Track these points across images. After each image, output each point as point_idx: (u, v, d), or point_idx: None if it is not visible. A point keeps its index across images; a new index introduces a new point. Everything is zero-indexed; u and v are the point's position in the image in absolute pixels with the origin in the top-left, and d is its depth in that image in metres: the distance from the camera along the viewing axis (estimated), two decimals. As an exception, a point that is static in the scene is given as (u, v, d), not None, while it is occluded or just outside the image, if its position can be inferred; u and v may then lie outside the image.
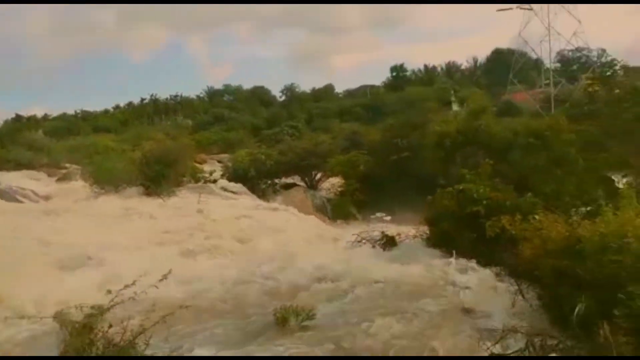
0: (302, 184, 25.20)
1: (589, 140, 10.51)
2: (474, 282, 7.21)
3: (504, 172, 10.96)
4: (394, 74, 66.70)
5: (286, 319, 5.71)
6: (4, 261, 7.57)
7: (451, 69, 67.01)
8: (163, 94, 65.69)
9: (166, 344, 4.70)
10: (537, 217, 8.06)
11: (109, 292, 4.97)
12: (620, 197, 6.43)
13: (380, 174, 22.04)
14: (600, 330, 3.86)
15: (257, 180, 23.82)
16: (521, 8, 52.69)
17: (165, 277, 4.98)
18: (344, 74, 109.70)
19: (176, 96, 64.74)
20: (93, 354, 4.27)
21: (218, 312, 6.27)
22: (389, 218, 19.11)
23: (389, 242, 10.51)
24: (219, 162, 30.66)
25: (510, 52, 61.74)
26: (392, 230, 12.17)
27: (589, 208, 9.23)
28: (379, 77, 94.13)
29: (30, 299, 6.46)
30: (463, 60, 69.16)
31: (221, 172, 25.06)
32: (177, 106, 62.29)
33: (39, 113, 62.99)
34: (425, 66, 66.27)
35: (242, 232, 12.89)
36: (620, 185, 11.51)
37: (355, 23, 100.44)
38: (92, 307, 4.63)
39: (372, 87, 65.50)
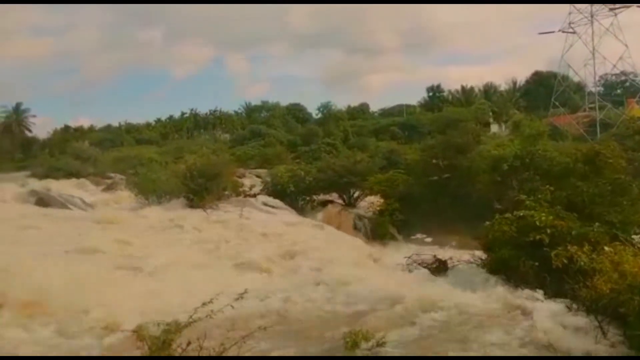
0: (339, 201, 25.11)
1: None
2: (545, 314, 6.86)
3: (563, 199, 10.55)
4: (430, 94, 66.37)
5: (356, 344, 5.56)
6: (75, 272, 7.75)
7: (489, 91, 66.09)
8: (203, 109, 67.49)
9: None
10: (606, 248, 7.70)
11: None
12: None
13: (419, 194, 21.73)
14: None
15: (296, 196, 23.86)
16: (564, 32, 51.75)
17: (241, 296, 4.93)
18: (378, 93, 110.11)
19: (215, 111, 66.23)
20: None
21: (282, 333, 6.17)
22: (429, 240, 18.70)
23: (441, 267, 10.22)
24: (257, 176, 30.93)
25: (551, 75, 60.57)
26: (440, 253, 11.88)
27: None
28: (414, 97, 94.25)
29: (108, 309, 6.57)
30: (501, 82, 68.31)
31: (261, 187, 25.23)
32: (216, 121, 63.65)
33: (86, 124, 65.72)
34: (463, 87, 65.66)
35: (287, 248, 12.84)
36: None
37: (390, 45, 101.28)
38: (169, 324, 4.61)
39: (408, 106, 65.27)
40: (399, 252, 14.89)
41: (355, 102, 69.05)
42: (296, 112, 65.10)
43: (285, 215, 19.72)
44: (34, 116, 62.12)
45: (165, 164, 27.43)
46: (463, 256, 10.93)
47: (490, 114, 50.48)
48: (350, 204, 24.79)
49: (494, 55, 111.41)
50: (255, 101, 71.10)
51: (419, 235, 19.43)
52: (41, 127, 65.74)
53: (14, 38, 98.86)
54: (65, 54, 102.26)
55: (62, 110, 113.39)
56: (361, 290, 8.36)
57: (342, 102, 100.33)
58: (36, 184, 23.24)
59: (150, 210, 17.62)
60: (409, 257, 10.74)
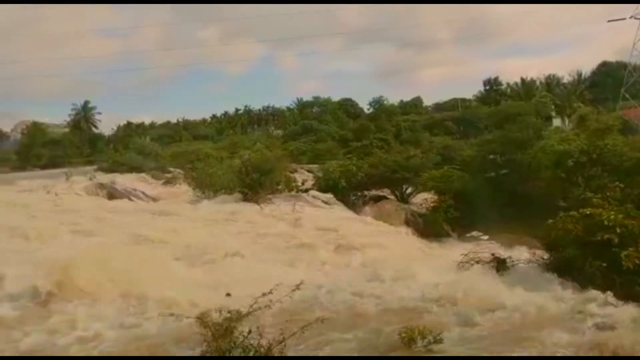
0: (392, 197, 24.84)
1: None
2: (615, 317, 6.47)
3: (634, 196, 9.92)
4: (487, 87, 64.03)
5: (413, 340, 5.51)
6: (141, 260, 8.23)
7: (551, 83, 62.85)
8: (256, 105, 69.14)
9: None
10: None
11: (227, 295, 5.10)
12: None
13: (474, 191, 21.12)
14: None
15: (347, 191, 23.83)
16: (637, 18, 48.09)
17: (297, 287, 5.03)
18: (432, 87, 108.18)
19: (268, 107, 67.75)
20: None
21: (339, 325, 6.23)
22: (486, 237, 18.11)
23: (500, 266, 9.87)
24: (309, 171, 31.16)
25: (620, 65, 56.74)
26: (498, 251, 11.48)
27: None
28: (469, 90, 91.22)
29: (173, 296, 6.95)
30: (565, 74, 64.73)
31: (312, 182, 25.42)
32: (269, 117, 65.04)
33: (147, 120, 69.11)
34: (522, 79, 62.82)
35: (340, 242, 12.92)
36: None
37: (444, 37, 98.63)
38: (230, 312, 4.78)
39: (463, 100, 63.40)
40: (454, 250, 14.54)
41: (408, 97, 68.02)
42: (348, 107, 64.99)
43: (337, 210, 19.80)
44: (100, 113, 66.22)
45: (221, 159, 28.15)
46: (523, 255, 10.53)
47: (553, 107, 47.99)
48: (403, 200, 24.45)
49: (556, 45, 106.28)
50: (308, 97, 71.73)
51: (474, 233, 18.89)
52: (106, 123, 69.73)
53: (84, 39, 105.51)
54: (129, 53, 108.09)
55: (125, 107, 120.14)
56: (416, 286, 8.26)
57: (394, 96, 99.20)
58: (103, 178, 24.66)
59: (207, 204, 18.26)
60: (465, 255, 10.44)
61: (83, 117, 64.70)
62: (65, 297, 7.28)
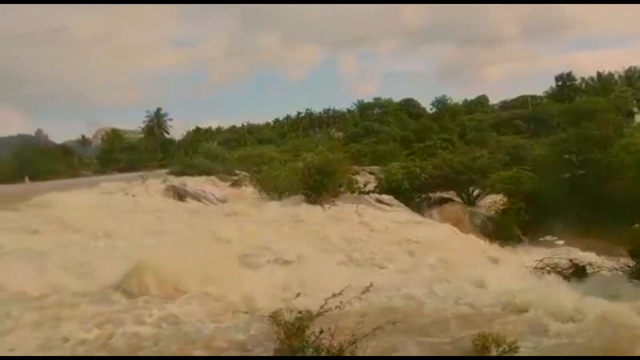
0: (457, 199, 24.19)
1: None
2: None
3: None
4: (560, 83, 60.60)
5: (486, 348, 5.34)
6: (212, 258, 8.64)
7: (632, 76, 58.30)
8: (317, 108, 70.17)
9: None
10: None
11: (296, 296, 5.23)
12: None
13: (547, 193, 20.17)
14: None
15: (411, 193, 23.53)
16: None
17: (367, 289, 5.05)
18: (498, 84, 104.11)
19: (329, 110, 68.50)
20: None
21: (407, 329, 6.17)
22: (561, 242, 17.16)
23: (579, 273, 9.30)
24: (371, 173, 31.08)
25: None
26: (576, 257, 10.84)
27: None
28: (538, 87, 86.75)
29: (245, 294, 7.27)
30: (647, 66, 59.62)
31: (374, 184, 25.32)
32: (330, 120, 65.74)
33: (214, 125, 72.12)
34: (599, 73, 58.83)
35: (406, 245, 12.77)
36: None
37: (510, 33, 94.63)
38: (301, 312, 4.89)
39: (533, 97, 60.45)
40: (526, 255, 13.95)
41: (472, 96, 65.98)
42: (409, 108, 64.13)
43: (401, 212, 19.56)
44: (171, 119, 70.02)
45: (284, 161, 28.75)
46: (604, 262, 9.87)
47: (634, 102, 44.58)
48: (470, 202, 23.82)
49: (634, 37, 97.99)
50: (368, 98, 71.52)
51: (548, 237, 17.98)
52: (176, 129, 73.57)
53: (156, 51, 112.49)
54: (196, 62, 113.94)
55: (193, 113, 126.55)
56: (487, 292, 7.97)
57: (458, 95, 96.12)
58: (174, 180, 25.97)
59: (272, 205, 18.72)
60: (540, 261, 9.94)
61: (156, 123, 68.71)
62: (152, 294, 7.75)
